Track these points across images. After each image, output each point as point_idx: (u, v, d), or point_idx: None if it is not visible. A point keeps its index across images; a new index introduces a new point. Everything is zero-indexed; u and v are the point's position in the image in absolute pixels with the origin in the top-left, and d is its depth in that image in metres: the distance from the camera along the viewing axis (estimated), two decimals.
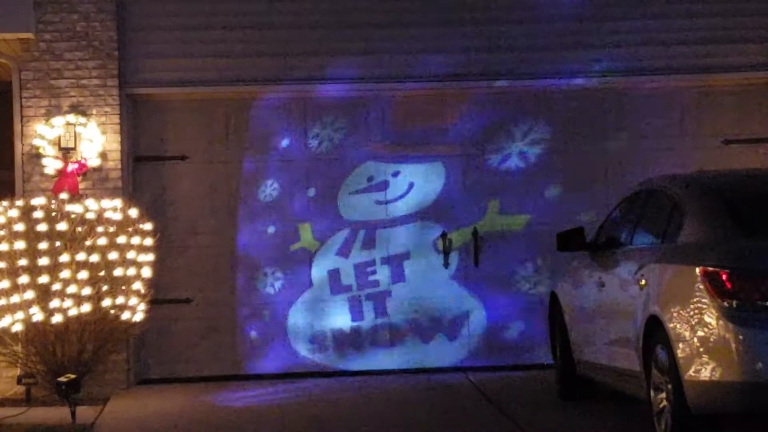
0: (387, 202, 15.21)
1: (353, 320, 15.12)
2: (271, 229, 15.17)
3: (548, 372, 12.97)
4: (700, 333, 8.94)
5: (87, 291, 13.23)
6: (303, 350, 15.07)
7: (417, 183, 15.21)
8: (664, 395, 9.41)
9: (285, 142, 15.18)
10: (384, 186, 15.22)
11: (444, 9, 14.89)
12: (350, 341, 15.12)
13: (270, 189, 15.14)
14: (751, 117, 15.23)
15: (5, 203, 13.74)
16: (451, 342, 15.11)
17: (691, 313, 9.05)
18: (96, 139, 14.49)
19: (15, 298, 13.15)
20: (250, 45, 14.87)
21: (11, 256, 13.26)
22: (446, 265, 15.11)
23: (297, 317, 15.13)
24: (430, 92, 15.21)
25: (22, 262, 13.22)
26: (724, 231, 9.55)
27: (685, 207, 10.02)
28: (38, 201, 13.62)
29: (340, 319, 15.12)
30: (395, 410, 12.49)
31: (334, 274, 15.14)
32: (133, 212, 13.82)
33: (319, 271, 15.16)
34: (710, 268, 8.94)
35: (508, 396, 12.73)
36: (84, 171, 14.45)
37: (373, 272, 15.15)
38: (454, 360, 15.04)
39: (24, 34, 14.46)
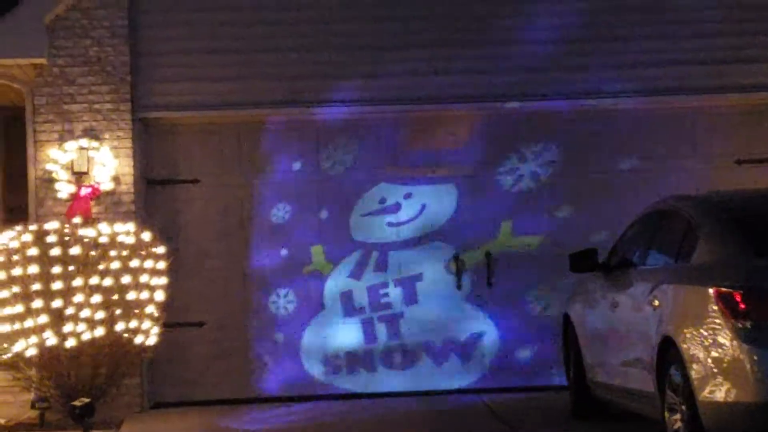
0: (399, 224, 15.20)
1: (366, 342, 15.11)
2: (283, 252, 15.16)
3: (562, 393, 12.95)
4: (714, 354, 8.93)
5: (100, 315, 13.21)
6: (316, 372, 15.06)
7: (429, 204, 15.20)
8: (678, 416, 9.40)
9: (297, 165, 15.19)
10: (396, 208, 15.21)
11: (450, 31, 14.93)
12: (363, 363, 15.11)
13: (282, 211, 15.15)
14: (763, 137, 15.21)
15: (19, 228, 13.77)
16: (465, 364, 15.09)
17: (705, 333, 9.04)
18: (109, 163, 14.51)
19: (29, 323, 13.14)
20: (259, 69, 14.88)
21: (25, 280, 13.24)
22: (459, 286, 15.08)
23: (310, 339, 15.11)
24: (439, 114, 15.22)
25: (36, 286, 13.18)
26: (737, 251, 9.55)
27: (699, 227, 10.02)
28: (52, 225, 13.62)
29: (353, 341, 15.11)
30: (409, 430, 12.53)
31: (346, 296, 15.13)
32: (146, 236, 13.80)
33: (331, 293, 15.14)
34: (724, 289, 8.93)
35: (522, 417, 12.71)
36: (97, 195, 14.46)
37: (386, 294, 15.14)
38: (468, 382, 15.02)
39: (37, 60, 14.50)
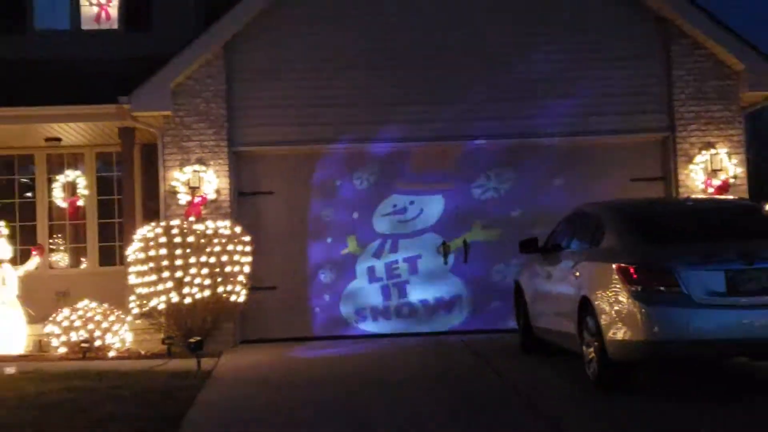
0: (406, 222, 15.21)
1: (383, 300, 15.16)
2: (328, 240, 15.20)
3: (514, 335, 12.96)
4: (616, 308, 9.16)
5: (207, 282, 13.39)
6: (351, 320, 15.14)
7: (425, 209, 15.22)
8: (592, 349, 9.60)
9: (338, 182, 15.22)
10: (403, 211, 15.23)
11: (438, 93, 14.88)
12: (382, 314, 15.16)
13: (328, 213, 15.19)
14: (650, 162, 15.24)
15: (153, 224, 14.00)
16: (449, 315, 15.14)
17: (610, 294, 9.27)
18: (213, 181, 14.63)
19: (160, 287, 13.35)
20: (313, 119, 14.84)
21: (157, 258, 13.42)
22: (445, 263, 15.11)
23: (346, 299, 15.16)
24: (431, 148, 15.17)
25: (164, 262, 13.37)
26: (630, 239, 9.74)
27: (605, 224, 10.24)
28: (175, 222, 13.85)
29: (375, 299, 15.15)
30: (413, 359, 12.60)
31: (371, 270, 15.18)
32: (238, 229, 13.95)
33: (360, 268, 15.18)
34: (622, 265, 9.16)
35: (487, 350, 12.82)
36: (205, 202, 14.57)
37: (397, 268, 15.17)
38: (451, 326, 15.05)
39: (165, 112, 14.59)
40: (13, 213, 17.23)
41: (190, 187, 14.54)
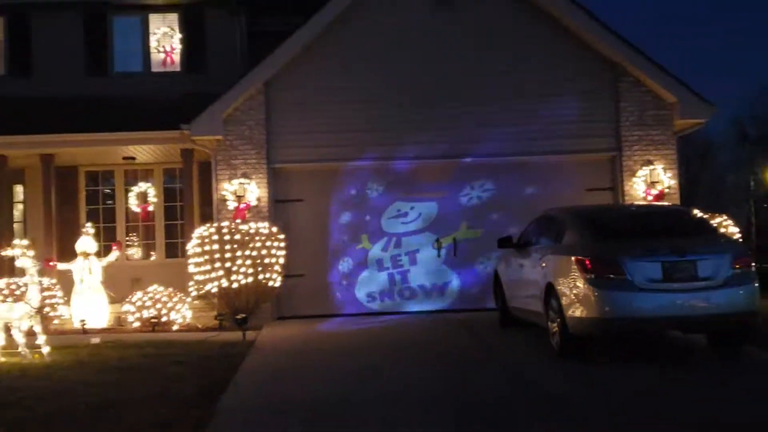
0: (407, 223, 15.16)
1: (389, 285, 15.12)
2: (345, 237, 15.17)
3: (494, 313, 12.95)
4: (574, 291, 9.20)
5: (250, 271, 13.38)
6: (364, 301, 15.10)
7: (423, 212, 15.17)
8: (555, 324, 9.62)
9: (353, 191, 15.18)
10: (405, 214, 15.19)
11: (432, 120, 14.84)
12: (388, 296, 15.11)
13: (346, 216, 15.17)
14: (601, 176, 15.20)
15: (207, 225, 13.96)
16: (442, 296, 15.10)
17: (570, 281, 9.31)
18: (254, 191, 14.65)
19: (213, 275, 13.32)
20: (335, 141, 14.81)
21: (210, 252, 13.41)
22: (439, 255, 15.06)
23: (360, 284, 15.13)
24: (427, 165, 15.08)
25: (216, 255, 13.36)
26: (585, 238, 9.77)
27: (566, 225, 10.27)
28: (224, 224, 13.80)
29: (382, 284, 15.12)
30: (412, 330, 12.66)
31: (380, 261, 15.14)
32: (274, 229, 13.91)
33: (371, 259, 15.13)
34: (579, 257, 9.19)
35: (472, 324, 12.83)
36: (248, 208, 14.59)
37: (400, 259, 15.14)
38: (443, 306, 15.00)
39: (218, 136, 14.59)
40: (98, 216, 17.31)
41: (237, 196, 14.57)
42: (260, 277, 13.48)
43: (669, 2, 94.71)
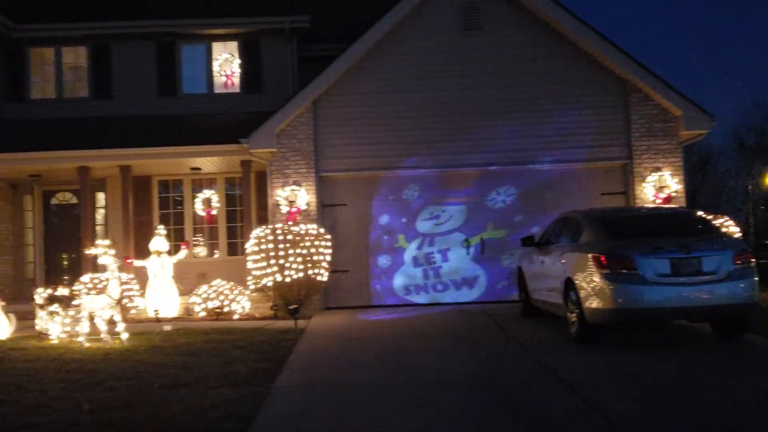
0: (439, 224, 15.11)
1: (424, 279, 15.08)
2: (385, 237, 15.17)
3: (517, 304, 12.90)
4: (591, 285, 9.11)
5: (301, 267, 13.43)
6: (401, 294, 15.07)
7: (453, 215, 15.13)
8: (574, 315, 9.54)
9: (391, 196, 15.18)
10: (438, 216, 15.13)
11: (462, 131, 14.83)
12: (423, 289, 15.08)
13: (384, 218, 15.16)
14: (614, 181, 15.03)
15: (263, 226, 14.05)
16: (470, 290, 15.03)
17: (587, 275, 9.22)
18: (304, 197, 14.71)
19: (268, 270, 13.39)
20: (375, 152, 14.88)
21: (266, 250, 13.48)
22: (468, 253, 15.02)
23: (398, 279, 15.10)
24: (457, 172, 15.04)
25: (272, 253, 13.43)
26: (601, 236, 9.67)
27: (583, 225, 10.16)
28: (278, 225, 13.84)
29: (417, 279, 15.08)
30: (443, 319, 12.57)
31: (415, 258, 15.09)
32: (322, 230, 13.95)
33: (408, 257, 15.09)
34: (595, 254, 9.11)
35: (498, 314, 12.72)
36: (299, 212, 14.66)
37: (433, 257, 15.07)
38: (472, 298, 14.94)
39: (272, 149, 14.69)
40: (169, 219, 17.47)
41: (289, 201, 14.65)
42: (309, 272, 13.53)
43: (680, 18, 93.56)
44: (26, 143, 15.77)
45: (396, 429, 5.93)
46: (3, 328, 12.20)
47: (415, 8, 14.91)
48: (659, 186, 14.61)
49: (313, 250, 13.60)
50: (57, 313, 11.42)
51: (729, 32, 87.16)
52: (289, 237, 13.57)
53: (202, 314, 14.13)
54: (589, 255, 9.15)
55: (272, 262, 13.45)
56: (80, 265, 16.21)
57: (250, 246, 13.87)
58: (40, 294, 11.72)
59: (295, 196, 14.69)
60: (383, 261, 15.16)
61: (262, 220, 15.81)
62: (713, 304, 8.85)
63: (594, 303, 9.00)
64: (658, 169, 14.76)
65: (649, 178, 14.73)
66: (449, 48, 15.04)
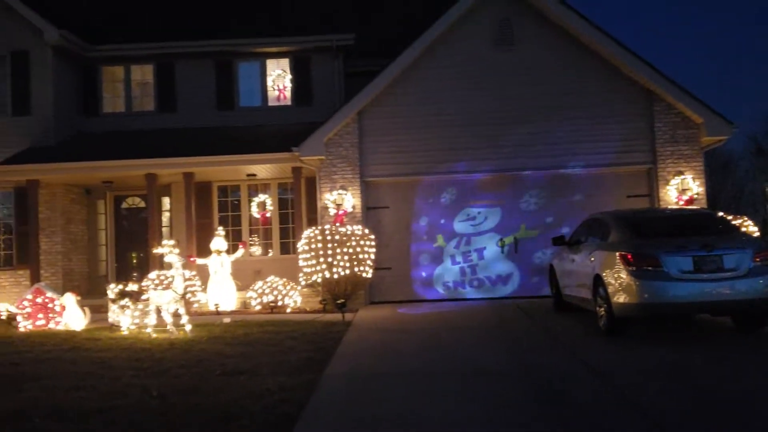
0: (475, 225, 15.01)
1: (461, 276, 14.98)
2: (424, 237, 15.10)
3: (548, 299, 12.80)
4: (618, 281, 8.98)
5: (348, 264, 13.48)
6: (440, 290, 14.98)
7: (488, 217, 15.01)
8: (602, 309, 9.42)
9: (431, 199, 15.11)
10: (474, 218, 15.04)
11: (494, 139, 14.75)
12: (460, 285, 14.97)
13: (424, 220, 15.10)
14: (640, 185, 14.80)
15: (313, 227, 14.11)
16: (505, 286, 14.88)
17: (615, 272, 9.08)
18: (350, 200, 14.74)
19: (318, 268, 13.46)
20: (415, 158, 14.85)
21: (316, 249, 13.56)
22: (502, 252, 14.89)
23: (437, 275, 15.01)
24: (492, 177, 14.92)
25: (321, 252, 13.50)
26: (628, 236, 9.52)
27: (611, 225, 10.02)
28: (327, 227, 13.90)
29: (455, 276, 14.98)
30: (480, 313, 12.46)
31: (453, 256, 14.99)
32: (366, 231, 13.98)
33: (446, 255, 15.00)
34: (623, 252, 8.98)
35: (531, 309, 12.63)
36: (345, 214, 14.70)
37: (470, 255, 14.97)
38: (506, 294, 14.80)
39: (321, 156, 14.74)
40: (227, 221, 17.63)
41: (336, 204, 14.69)
42: (355, 269, 13.57)
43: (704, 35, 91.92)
44: (100, 153, 16.04)
45: (436, 414, 5.91)
46: (79, 320, 12.45)
47: (451, 26, 14.86)
48: (682, 189, 14.37)
49: (358, 249, 13.62)
50: (127, 306, 11.59)
51: (749, 39, 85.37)
52: (337, 237, 13.61)
53: (258, 308, 14.23)
54: (617, 253, 9.02)
55: (321, 260, 13.50)
56: (148, 263, 16.47)
57: (301, 245, 13.94)
58: (112, 289, 11.91)
59: (341, 199, 14.72)
60: (423, 259, 15.09)
61: (312, 222, 15.88)
62: (734, 299, 8.65)
63: (621, 298, 8.87)
64: (680, 173, 14.51)
65: (672, 182, 14.48)
66: (483, 61, 14.97)
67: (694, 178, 14.48)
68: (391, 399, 6.44)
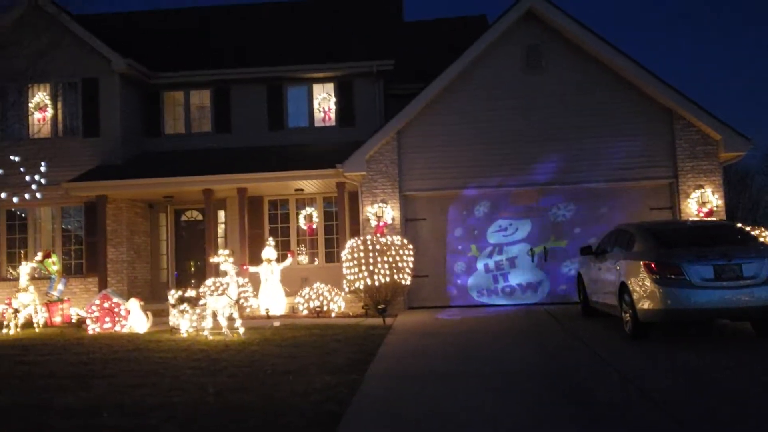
0: (507, 236, 14.87)
1: (494, 284, 14.83)
2: (459, 247, 14.99)
3: (576, 306, 12.63)
4: (643, 288, 8.82)
5: (388, 272, 13.44)
6: (474, 296, 14.85)
7: (519, 228, 14.85)
8: (627, 315, 9.26)
9: (465, 212, 15.02)
10: (505, 229, 14.90)
11: (521, 155, 14.61)
12: (493, 292, 14.82)
13: (459, 230, 15.00)
14: (662, 198, 14.55)
15: (355, 238, 14.10)
16: (535, 293, 14.70)
17: (639, 280, 8.93)
18: (390, 213, 14.71)
19: (360, 275, 13.44)
20: (450, 173, 14.78)
21: (358, 258, 13.55)
22: (533, 261, 14.71)
23: (471, 283, 14.88)
24: (521, 191, 14.77)
25: (363, 261, 13.49)
26: (651, 245, 9.34)
27: (635, 235, 9.85)
28: (368, 237, 13.90)
29: (488, 283, 14.83)
30: (511, 319, 12.32)
31: (486, 265, 14.86)
32: (405, 241, 13.94)
33: (480, 264, 14.87)
34: (647, 261, 8.83)
35: (560, 314, 12.45)
36: (386, 225, 14.68)
37: (502, 264, 14.81)
38: (536, 300, 14.61)
39: (363, 172, 14.73)
40: (277, 232, 17.75)
41: (377, 216, 14.68)
42: (395, 277, 13.54)
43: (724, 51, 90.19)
44: (162, 170, 16.29)
45: (471, 412, 5.84)
46: (142, 323, 12.63)
47: (483, 52, 14.78)
48: (702, 201, 14.09)
49: (398, 258, 13.59)
50: (186, 311, 11.70)
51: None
52: (378, 247, 13.61)
53: (305, 312, 14.27)
54: (641, 262, 8.86)
55: (363, 268, 13.50)
56: (204, 270, 16.65)
57: (344, 254, 13.96)
58: (172, 295, 12.05)
59: (382, 212, 14.72)
60: (458, 267, 14.99)
61: (355, 233, 15.89)
62: (753, 306, 8.45)
63: (646, 304, 8.71)
64: (700, 187, 14.23)
65: (692, 195, 14.20)
66: (514, 84, 14.87)
67: (713, 192, 14.18)
68: (430, 398, 6.40)
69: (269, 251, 14.93)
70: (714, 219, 13.58)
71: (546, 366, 7.77)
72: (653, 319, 8.76)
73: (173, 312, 11.94)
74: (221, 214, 18.26)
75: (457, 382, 7.02)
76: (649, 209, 14.51)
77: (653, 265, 8.67)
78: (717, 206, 14.12)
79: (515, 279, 14.83)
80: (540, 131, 14.72)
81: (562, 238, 14.78)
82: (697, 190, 14.20)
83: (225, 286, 13.28)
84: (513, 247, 14.90)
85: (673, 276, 8.52)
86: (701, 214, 14.01)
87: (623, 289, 9.33)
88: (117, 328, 12.67)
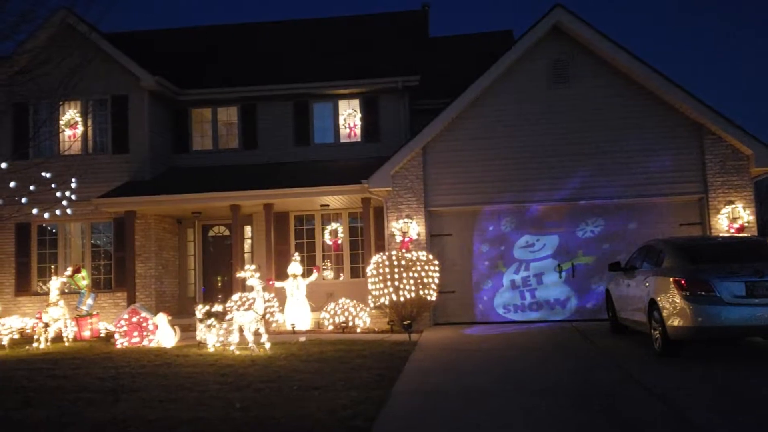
0: (534, 252, 14.83)
1: (521, 300, 14.77)
2: (485, 263, 14.99)
3: (605, 323, 12.49)
4: (673, 305, 8.70)
5: (413, 288, 13.46)
6: (500, 312, 14.79)
7: (546, 244, 14.80)
8: (657, 332, 9.14)
9: (491, 227, 15.02)
10: (533, 245, 14.86)
11: (550, 173, 14.58)
12: (520, 308, 14.77)
13: (485, 246, 14.99)
14: (692, 213, 14.42)
15: (381, 253, 14.14)
16: (563, 309, 14.61)
17: (669, 297, 8.81)
18: (415, 228, 14.73)
19: (385, 291, 13.47)
20: (475, 189, 14.78)
21: (383, 274, 13.59)
22: (560, 277, 14.65)
23: (497, 299, 14.84)
24: (550, 206, 14.74)
25: (388, 276, 13.52)
26: (681, 262, 9.23)
27: (665, 252, 9.74)
28: (393, 252, 13.94)
29: (515, 300, 14.78)
30: (539, 335, 12.21)
31: (513, 281, 14.82)
32: (431, 257, 13.95)
33: (506, 280, 14.84)
34: (677, 278, 8.71)
35: (588, 331, 12.32)
36: (411, 241, 14.69)
37: (529, 280, 14.78)
38: (564, 317, 14.52)
39: (388, 188, 14.80)
40: (303, 248, 17.83)
41: (402, 232, 14.70)
42: (421, 292, 13.53)
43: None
44: (189, 186, 16.49)
45: (499, 430, 5.80)
46: (170, 338, 12.74)
47: (509, 67, 14.82)
48: (733, 217, 13.91)
49: (423, 274, 13.59)
50: (213, 326, 11.77)
51: None
52: (403, 262, 13.62)
53: (330, 327, 14.29)
54: (671, 279, 8.75)
55: (389, 283, 13.52)
56: (231, 285, 16.76)
57: (370, 270, 13.98)
58: (200, 310, 12.14)
59: (407, 227, 14.73)
60: (484, 283, 14.93)
61: (380, 248, 15.92)
62: None
63: (676, 321, 8.60)
64: (731, 202, 14.06)
65: (723, 210, 14.03)
66: (539, 99, 14.86)
67: (744, 207, 13.99)
68: (457, 415, 6.36)
69: (295, 266, 14.97)
70: (745, 235, 13.40)
71: (576, 384, 7.67)
72: (683, 337, 8.63)
73: (200, 327, 12.02)
74: (248, 229, 18.40)
75: (486, 400, 6.97)
76: (679, 225, 14.37)
77: (683, 282, 8.56)
78: (748, 222, 13.92)
79: (542, 295, 14.73)
80: (567, 145, 14.66)
81: (590, 254, 14.68)
82: (727, 206, 14.02)
83: (251, 301, 13.34)
84: (540, 263, 14.81)
85: (703, 293, 8.40)
86: (732, 230, 13.82)
87: (653, 305, 9.22)
88: (145, 342, 12.80)
